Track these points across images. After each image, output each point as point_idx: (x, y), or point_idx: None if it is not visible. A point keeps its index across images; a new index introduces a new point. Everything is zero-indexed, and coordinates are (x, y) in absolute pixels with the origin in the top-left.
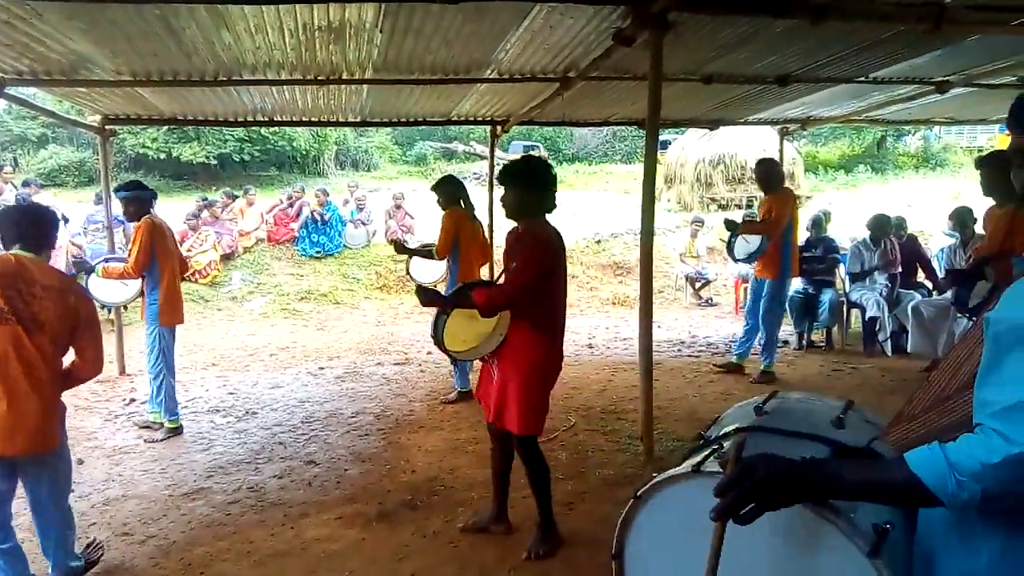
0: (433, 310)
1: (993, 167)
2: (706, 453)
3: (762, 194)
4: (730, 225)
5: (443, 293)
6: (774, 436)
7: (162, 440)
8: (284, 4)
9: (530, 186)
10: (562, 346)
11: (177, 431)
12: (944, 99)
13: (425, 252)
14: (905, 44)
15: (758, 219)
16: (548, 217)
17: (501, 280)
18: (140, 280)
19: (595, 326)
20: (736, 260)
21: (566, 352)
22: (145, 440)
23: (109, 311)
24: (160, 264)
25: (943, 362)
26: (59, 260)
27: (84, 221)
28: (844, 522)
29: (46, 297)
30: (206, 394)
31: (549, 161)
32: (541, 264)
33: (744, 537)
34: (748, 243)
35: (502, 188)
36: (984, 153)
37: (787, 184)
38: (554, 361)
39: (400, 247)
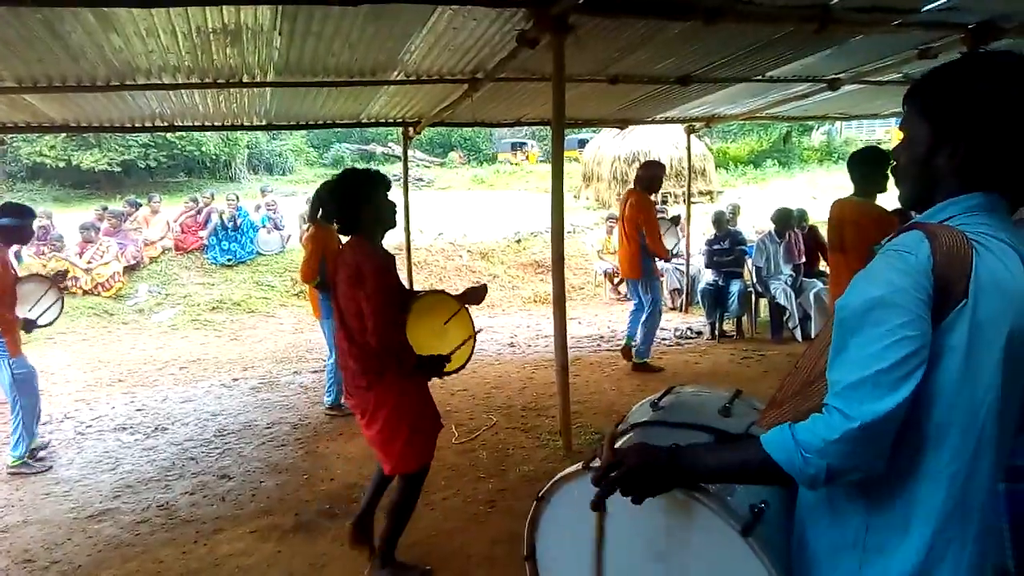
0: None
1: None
2: (595, 450)
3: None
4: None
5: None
6: (664, 428)
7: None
8: (174, 7)
9: (340, 204)
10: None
11: (36, 452)
12: (836, 96)
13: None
14: (795, 44)
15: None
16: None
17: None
18: None
19: (517, 325)
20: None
21: (489, 352)
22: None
23: None
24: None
25: (808, 348)
26: None
27: None
28: (716, 503)
29: None
30: (112, 411)
31: (371, 171)
32: (385, 281)
33: (629, 523)
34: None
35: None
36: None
37: (695, 180)
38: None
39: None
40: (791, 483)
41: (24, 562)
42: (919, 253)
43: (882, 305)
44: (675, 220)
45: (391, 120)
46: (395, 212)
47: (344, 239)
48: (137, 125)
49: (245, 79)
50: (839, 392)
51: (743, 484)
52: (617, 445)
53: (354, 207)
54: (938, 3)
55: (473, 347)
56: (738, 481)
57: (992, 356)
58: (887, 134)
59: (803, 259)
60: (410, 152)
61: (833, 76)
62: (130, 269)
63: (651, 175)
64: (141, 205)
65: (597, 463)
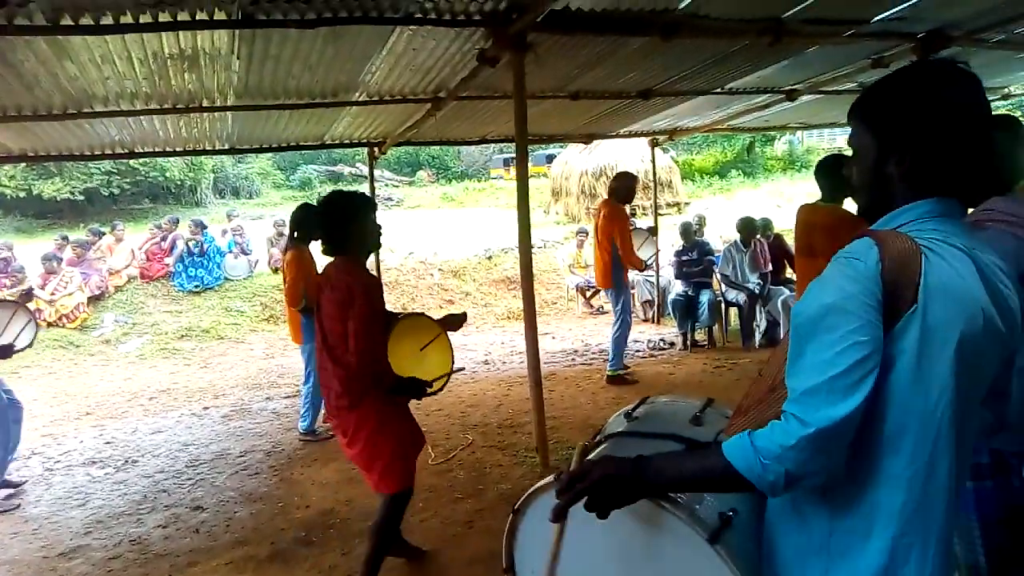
0: None
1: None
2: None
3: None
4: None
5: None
6: (636, 438)
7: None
8: (128, 33)
9: (328, 226)
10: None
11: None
12: (795, 106)
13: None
14: (752, 56)
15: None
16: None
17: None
18: None
19: (491, 342)
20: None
21: (464, 370)
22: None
23: None
24: None
25: (772, 355)
26: None
27: None
28: (684, 512)
29: None
30: (80, 446)
31: (358, 193)
32: (368, 301)
33: (598, 532)
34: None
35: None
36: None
37: (662, 192)
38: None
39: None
40: (755, 490)
41: None
42: (867, 259)
43: (833, 311)
44: (652, 231)
45: (356, 141)
46: (381, 233)
47: (324, 260)
48: (97, 152)
49: (205, 103)
50: (796, 399)
51: (709, 492)
52: (588, 458)
53: (342, 228)
54: (887, 13)
55: (451, 374)
56: (703, 490)
57: (944, 360)
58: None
59: (769, 267)
60: (378, 172)
61: (790, 87)
62: (95, 299)
63: (624, 186)
64: (104, 233)
65: None
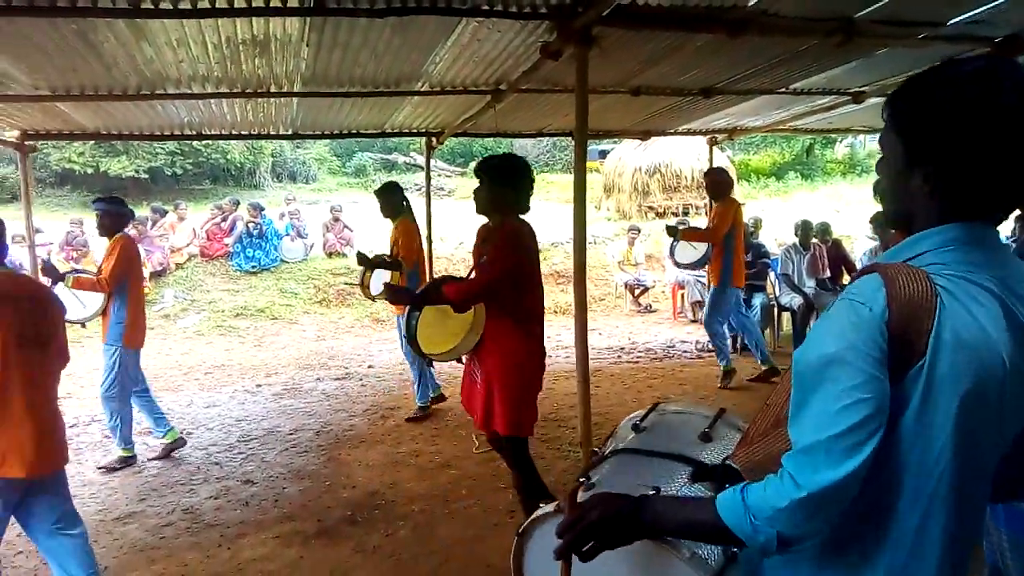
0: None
1: None
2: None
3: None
4: (671, 231)
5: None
6: (641, 457)
7: (118, 469)
8: (205, 18)
9: (507, 184)
10: (543, 342)
11: (129, 460)
12: (861, 109)
13: (389, 263)
14: (820, 56)
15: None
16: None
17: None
18: (104, 298)
19: None
20: (677, 265)
21: None
22: (100, 468)
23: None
24: (131, 283)
25: (779, 384)
26: None
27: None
28: (686, 553)
29: (40, 310)
30: (138, 415)
31: (526, 160)
32: (510, 258)
33: (602, 567)
34: (695, 249)
35: (478, 181)
36: None
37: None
38: (537, 359)
39: (362, 258)
40: (739, 545)
41: None
42: (874, 305)
43: (836, 362)
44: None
45: (414, 130)
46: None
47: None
48: (165, 133)
49: (272, 89)
50: (793, 455)
51: (706, 543)
52: (592, 473)
53: (519, 190)
54: (965, 15)
55: (468, 347)
56: (699, 540)
57: (947, 416)
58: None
59: (827, 272)
60: (432, 162)
61: (858, 89)
62: (156, 275)
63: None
64: (167, 212)
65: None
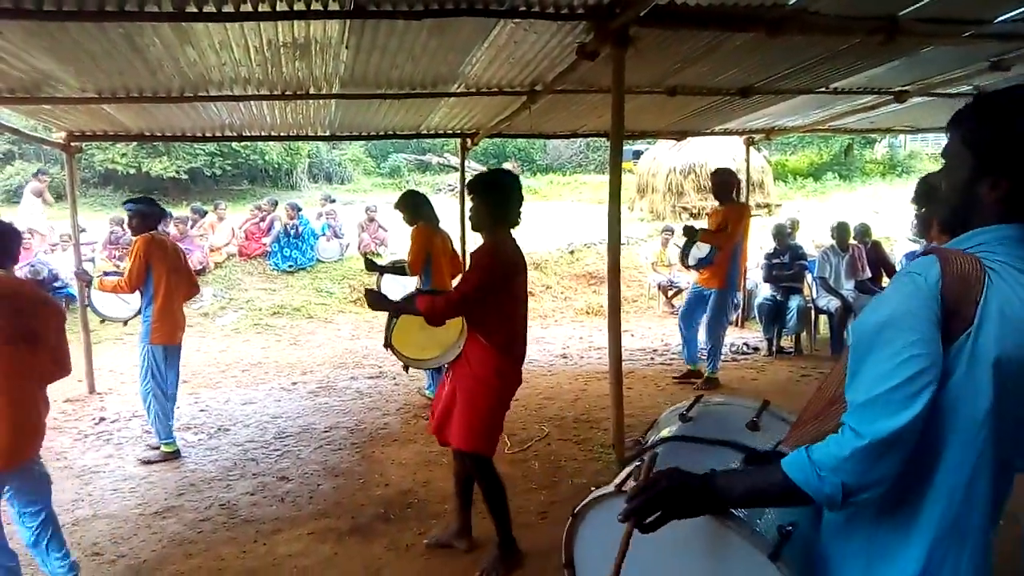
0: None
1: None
2: (629, 471)
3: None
4: (689, 232)
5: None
6: (694, 444)
7: (157, 462)
8: (247, 21)
9: (490, 199)
10: (519, 362)
11: (174, 455)
12: (903, 108)
13: (397, 269)
14: (862, 55)
15: (708, 228)
16: (514, 232)
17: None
18: (128, 298)
19: (569, 336)
20: (689, 267)
21: (541, 363)
22: (141, 460)
23: (102, 321)
24: (154, 281)
25: (833, 369)
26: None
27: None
28: (745, 529)
29: (30, 309)
30: (177, 411)
31: (516, 175)
32: (485, 276)
33: (661, 544)
34: (699, 250)
35: (470, 199)
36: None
37: (753, 193)
38: (506, 378)
39: (371, 264)
40: (806, 503)
41: (93, 555)
42: (928, 275)
43: (891, 325)
44: None
45: (450, 131)
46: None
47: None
48: (207, 134)
49: (312, 91)
50: (853, 411)
51: (772, 507)
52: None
53: (504, 205)
54: (1012, 13)
55: (451, 358)
56: (766, 505)
57: (989, 383)
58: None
59: (868, 273)
60: (465, 162)
61: (900, 88)
62: (196, 274)
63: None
64: (206, 212)
65: (631, 484)
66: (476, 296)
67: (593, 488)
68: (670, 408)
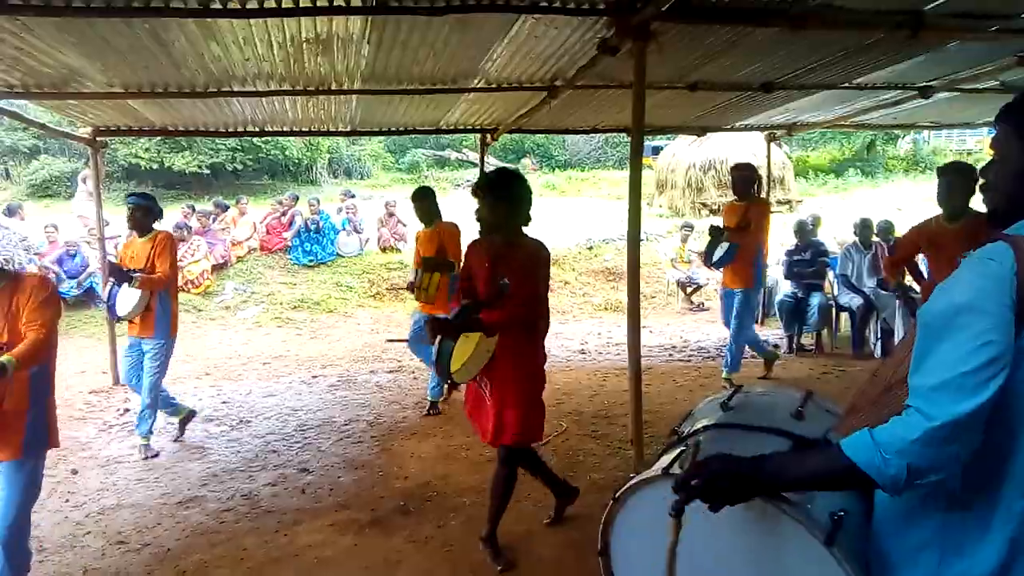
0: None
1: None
2: (674, 455)
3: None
4: (714, 232)
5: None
6: (739, 431)
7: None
8: (271, 17)
9: (504, 198)
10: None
11: (189, 416)
12: (928, 104)
13: (447, 265)
14: (886, 50)
15: (723, 225)
16: (526, 228)
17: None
18: (145, 294)
19: (587, 332)
20: (711, 265)
21: (560, 358)
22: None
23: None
24: (175, 276)
25: (889, 357)
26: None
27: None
28: (800, 514)
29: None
30: (200, 403)
31: (521, 173)
32: (540, 282)
33: (713, 529)
34: (720, 248)
35: (477, 201)
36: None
37: (774, 189)
38: (543, 364)
39: (429, 263)
40: (872, 488)
41: (118, 543)
42: (1004, 261)
43: (968, 310)
44: None
45: (469, 127)
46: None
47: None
48: (229, 129)
49: (333, 87)
50: (921, 394)
51: (825, 491)
52: (691, 444)
53: (522, 204)
54: None
55: (482, 365)
56: (820, 488)
57: None
58: (978, 144)
59: None
60: (485, 158)
61: (925, 83)
62: (218, 268)
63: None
64: (228, 207)
65: (677, 469)
66: (538, 305)
67: (633, 475)
68: (707, 399)
